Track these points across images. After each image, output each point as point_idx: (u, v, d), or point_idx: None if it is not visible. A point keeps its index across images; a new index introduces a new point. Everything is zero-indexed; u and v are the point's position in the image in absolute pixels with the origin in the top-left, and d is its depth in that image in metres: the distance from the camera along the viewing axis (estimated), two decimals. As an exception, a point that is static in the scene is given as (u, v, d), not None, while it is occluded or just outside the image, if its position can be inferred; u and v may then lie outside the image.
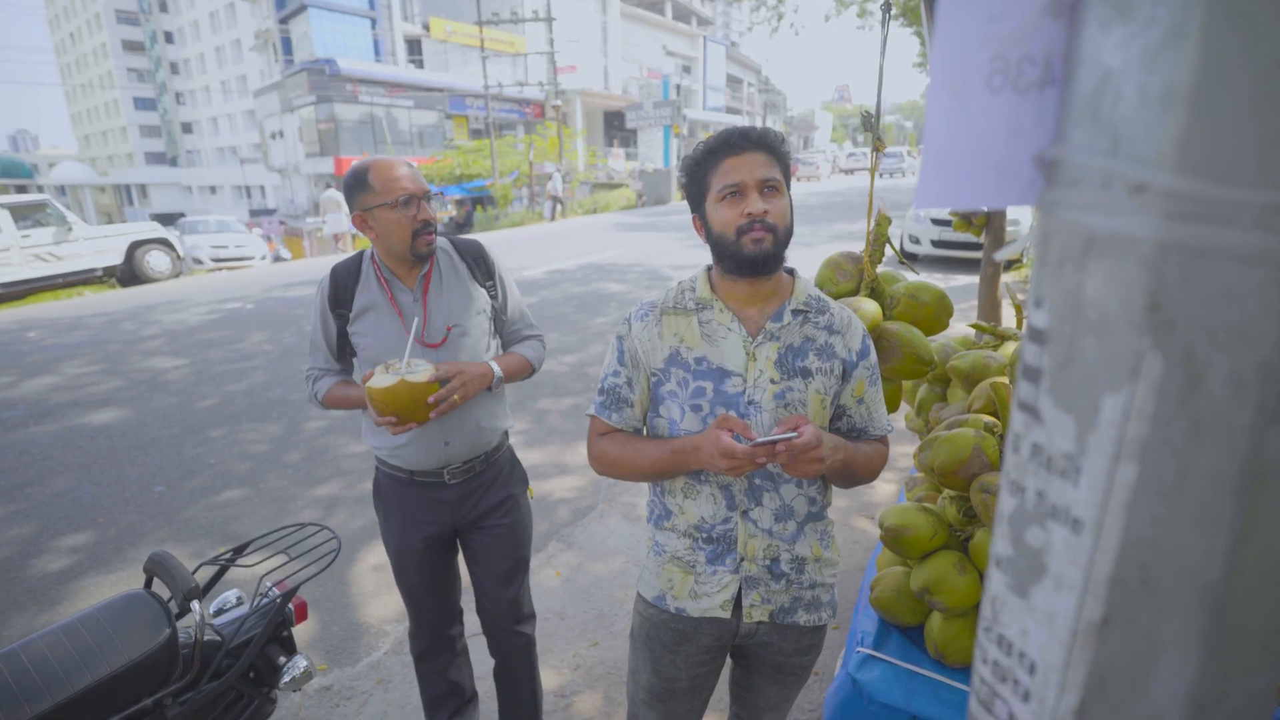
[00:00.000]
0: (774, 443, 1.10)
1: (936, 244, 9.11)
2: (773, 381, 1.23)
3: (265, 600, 1.62)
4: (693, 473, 1.27)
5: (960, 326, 4.44)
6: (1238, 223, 0.27)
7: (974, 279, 8.32)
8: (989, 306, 3.86)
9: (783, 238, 1.20)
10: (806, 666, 1.40)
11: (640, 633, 1.40)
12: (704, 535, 1.29)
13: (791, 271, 1.32)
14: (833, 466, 1.18)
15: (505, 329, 1.88)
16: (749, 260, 1.19)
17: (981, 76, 0.37)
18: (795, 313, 1.26)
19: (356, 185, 1.62)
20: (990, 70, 0.37)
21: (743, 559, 1.28)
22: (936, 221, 8.95)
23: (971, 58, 0.37)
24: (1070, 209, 0.33)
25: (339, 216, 14.45)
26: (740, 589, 1.29)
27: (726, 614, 1.30)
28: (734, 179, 1.18)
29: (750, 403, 1.23)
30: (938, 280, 8.27)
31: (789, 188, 1.23)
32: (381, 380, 1.47)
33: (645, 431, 1.37)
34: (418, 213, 1.62)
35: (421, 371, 1.50)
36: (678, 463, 1.22)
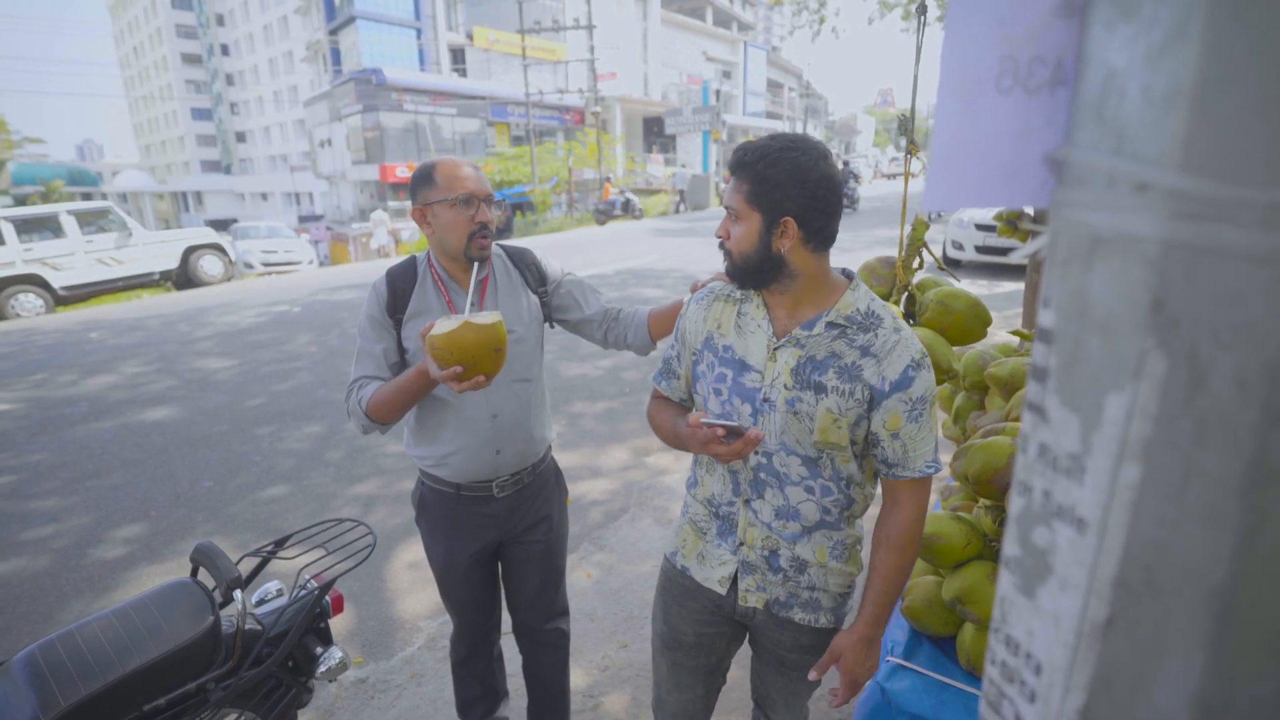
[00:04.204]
0: (716, 425, 1.16)
1: (981, 250, 8.90)
2: (786, 387, 1.22)
3: (303, 592, 1.67)
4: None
5: (1001, 334, 4.35)
6: (1242, 221, 0.27)
7: (1021, 285, 8.11)
8: (1034, 314, 3.76)
9: (738, 263, 1.22)
10: (811, 665, 1.40)
11: (660, 582, 1.51)
12: (714, 511, 1.37)
13: (851, 277, 1.28)
14: (882, 618, 1.27)
15: (588, 308, 1.84)
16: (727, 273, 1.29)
17: (991, 78, 0.37)
18: (831, 325, 1.21)
19: (422, 180, 1.60)
20: (1000, 71, 0.37)
21: (741, 544, 1.33)
22: (980, 227, 8.75)
23: (980, 59, 0.37)
24: (1076, 208, 0.33)
25: (383, 231, 16.90)
26: (738, 571, 1.34)
27: (723, 591, 1.36)
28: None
29: (765, 400, 1.24)
30: (981, 287, 8.11)
31: (771, 207, 1.16)
32: (443, 325, 1.33)
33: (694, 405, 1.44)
34: (476, 214, 1.60)
35: (486, 315, 1.37)
36: (681, 441, 1.30)
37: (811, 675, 1.30)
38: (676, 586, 1.44)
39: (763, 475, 1.28)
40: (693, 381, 1.38)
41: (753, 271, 1.21)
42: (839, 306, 1.22)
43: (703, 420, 1.18)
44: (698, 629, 1.43)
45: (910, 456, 1.22)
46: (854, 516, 1.33)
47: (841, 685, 1.28)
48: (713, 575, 1.36)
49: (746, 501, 1.31)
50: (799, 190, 1.14)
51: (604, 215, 21.01)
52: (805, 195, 1.14)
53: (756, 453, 1.26)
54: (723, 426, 1.16)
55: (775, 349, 1.24)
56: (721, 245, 1.25)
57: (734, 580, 1.34)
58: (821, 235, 1.18)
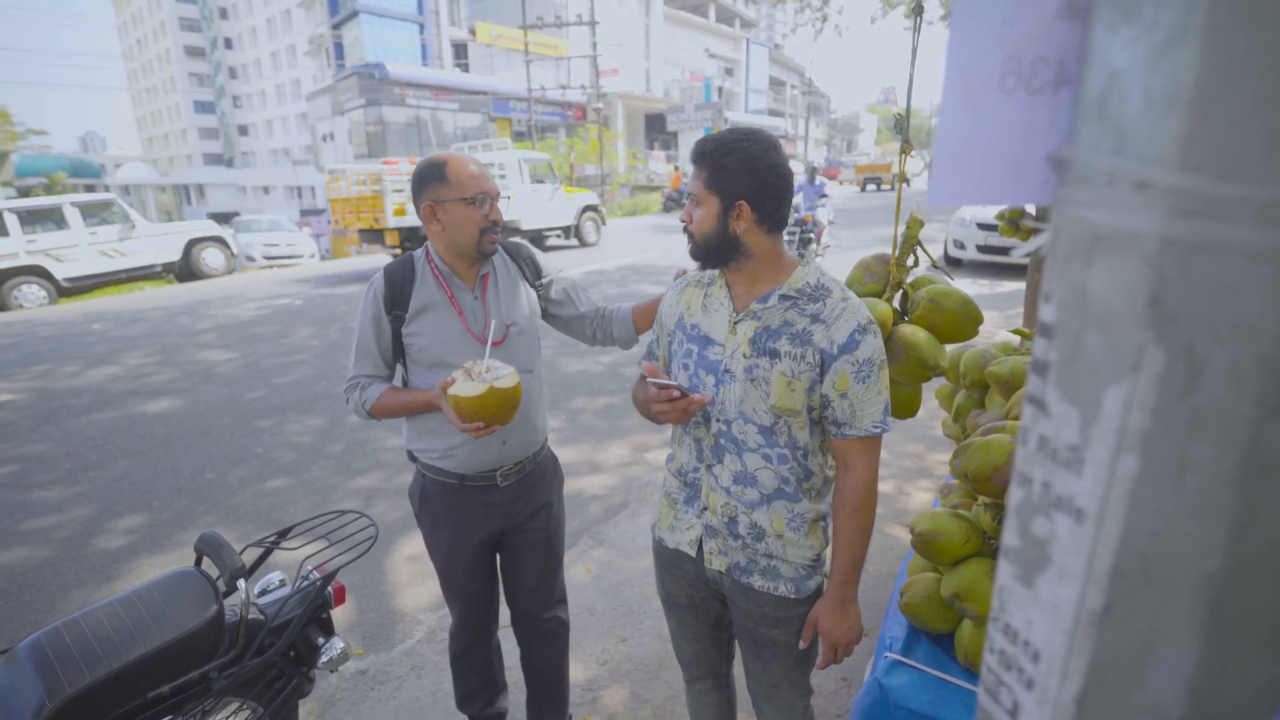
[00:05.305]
0: (668, 387, 1.31)
1: (982, 249, 8.90)
2: (745, 356, 1.33)
3: (306, 582, 1.68)
4: (682, 422, 1.42)
5: (1002, 333, 4.35)
6: (1237, 219, 0.28)
7: (1022, 285, 8.12)
8: (1035, 313, 3.76)
9: (700, 243, 1.34)
10: (780, 642, 1.45)
11: (653, 554, 1.62)
12: (683, 479, 1.49)
13: (803, 256, 1.39)
14: (850, 580, 1.35)
15: (581, 305, 1.90)
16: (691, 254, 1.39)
17: (995, 78, 0.38)
18: (783, 298, 1.33)
19: (432, 177, 1.61)
20: (1003, 72, 0.37)
21: (705, 508, 1.44)
22: (982, 226, 8.75)
23: (985, 60, 0.38)
24: (1078, 206, 0.33)
25: None
26: (703, 535, 1.45)
27: (692, 553, 1.47)
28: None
29: (727, 370, 1.36)
30: (983, 286, 8.11)
31: (727, 192, 1.28)
32: (469, 388, 1.45)
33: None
34: (489, 212, 1.64)
35: (506, 375, 1.50)
36: (650, 413, 1.41)
37: (801, 645, 1.42)
38: (662, 556, 1.57)
39: (723, 441, 1.38)
40: (669, 360, 1.51)
41: (713, 251, 1.33)
42: (791, 281, 1.33)
43: (647, 378, 1.34)
44: (688, 591, 1.55)
45: (858, 415, 1.30)
46: (814, 490, 1.39)
47: (823, 649, 1.39)
48: (683, 539, 1.48)
49: (709, 467, 1.42)
50: (750, 177, 1.26)
51: (673, 202, 23.49)
52: (757, 182, 1.26)
53: (718, 420, 1.37)
54: (671, 387, 1.30)
55: (735, 323, 1.35)
56: (685, 228, 1.36)
57: (700, 544, 1.46)
58: (773, 218, 1.30)
